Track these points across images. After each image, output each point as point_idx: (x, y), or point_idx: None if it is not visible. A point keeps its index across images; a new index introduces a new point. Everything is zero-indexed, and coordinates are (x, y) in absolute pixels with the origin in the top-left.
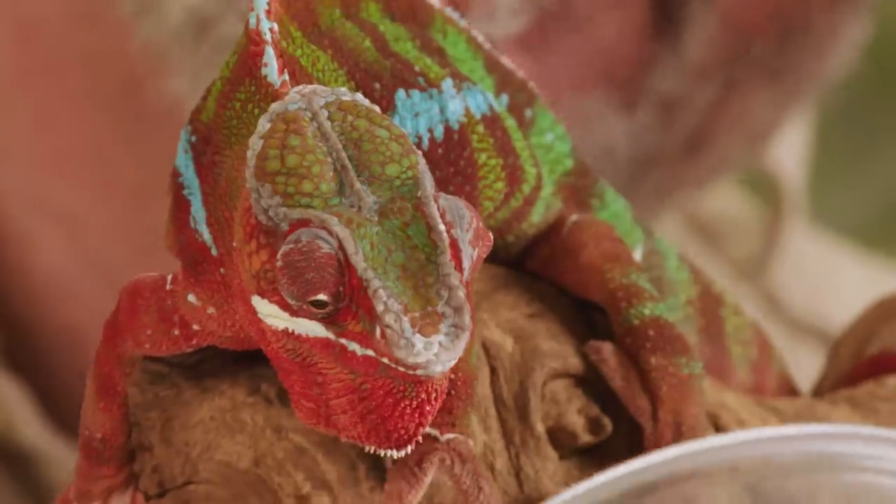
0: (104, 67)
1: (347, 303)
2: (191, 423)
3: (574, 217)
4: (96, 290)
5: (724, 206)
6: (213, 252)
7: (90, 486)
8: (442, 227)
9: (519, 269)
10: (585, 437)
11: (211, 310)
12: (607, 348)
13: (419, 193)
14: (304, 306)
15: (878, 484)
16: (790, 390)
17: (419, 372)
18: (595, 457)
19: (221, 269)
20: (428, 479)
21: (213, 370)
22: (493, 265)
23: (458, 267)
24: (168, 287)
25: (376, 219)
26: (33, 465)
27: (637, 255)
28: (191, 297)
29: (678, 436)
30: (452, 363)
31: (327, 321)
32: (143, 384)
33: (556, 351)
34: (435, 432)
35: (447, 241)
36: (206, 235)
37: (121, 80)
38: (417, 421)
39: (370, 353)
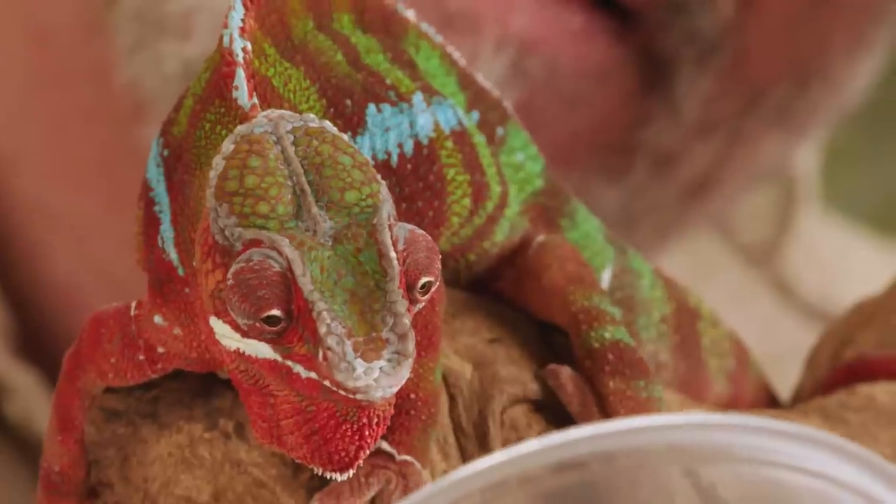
0: (114, 80)
1: (294, 324)
2: (148, 459)
3: (540, 238)
4: (104, 300)
5: None
6: (180, 272)
7: None
8: (393, 254)
9: (483, 291)
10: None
11: (177, 330)
12: (565, 372)
13: (374, 220)
14: (257, 324)
15: (778, 477)
16: (768, 397)
17: (359, 396)
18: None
19: (186, 290)
20: (370, 494)
21: (170, 406)
22: (453, 289)
23: (407, 295)
24: (132, 312)
25: (330, 243)
26: None
27: (607, 274)
28: (157, 318)
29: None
30: (394, 390)
31: (275, 342)
32: (99, 422)
33: (516, 376)
34: (392, 451)
35: (397, 269)
36: (173, 255)
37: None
38: (358, 444)
39: (313, 375)
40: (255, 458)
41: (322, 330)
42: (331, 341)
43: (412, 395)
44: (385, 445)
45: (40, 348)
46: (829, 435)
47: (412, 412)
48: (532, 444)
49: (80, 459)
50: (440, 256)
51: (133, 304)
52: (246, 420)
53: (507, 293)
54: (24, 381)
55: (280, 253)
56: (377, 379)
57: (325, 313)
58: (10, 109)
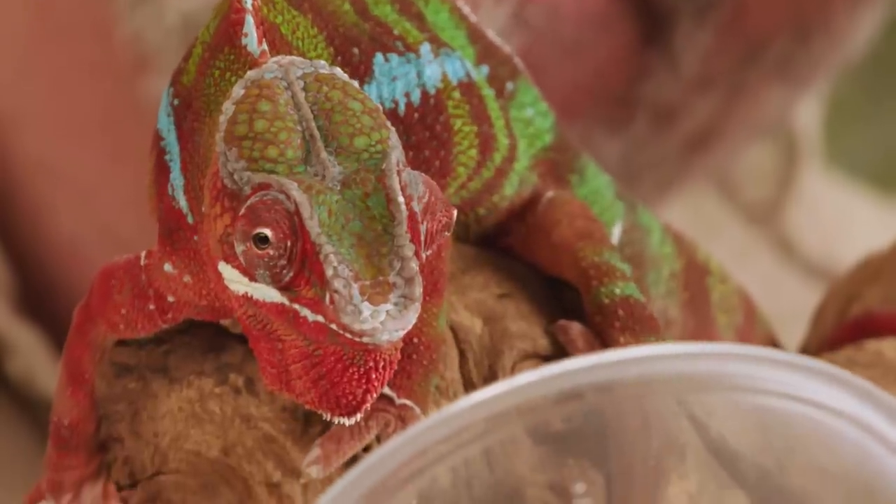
0: (116, 35)
1: (300, 267)
2: (159, 414)
3: (549, 194)
4: (107, 257)
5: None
6: (190, 220)
7: (61, 476)
8: (401, 198)
9: (492, 246)
10: (558, 425)
11: (187, 278)
12: (575, 328)
13: (383, 166)
14: (251, 246)
15: (773, 405)
16: None
17: (365, 340)
18: (569, 442)
19: (196, 237)
20: (370, 436)
21: (181, 361)
22: (462, 244)
23: (416, 239)
24: (142, 262)
25: (338, 188)
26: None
27: (617, 230)
28: (167, 267)
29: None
30: (401, 333)
31: (282, 286)
32: (110, 377)
33: (526, 332)
34: (392, 394)
35: (405, 214)
36: (183, 203)
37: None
38: (365, 388)
39: (320, 318)
40: (265, 413)
41: (329, 273)
42: (337, 284)
43: (415, 340)
44: (385, 389)
45: (43, 306)
46: (825, 364)
47: (414, 357)
48: (532, 375)
49: (90, 413)
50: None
51: (143, 254)
52: (256, 375)
53: (516, 249)
54: (27, 339)
55: (288, 196)
56: (383, 322)
57: (332, 256)
58: (12, 66)
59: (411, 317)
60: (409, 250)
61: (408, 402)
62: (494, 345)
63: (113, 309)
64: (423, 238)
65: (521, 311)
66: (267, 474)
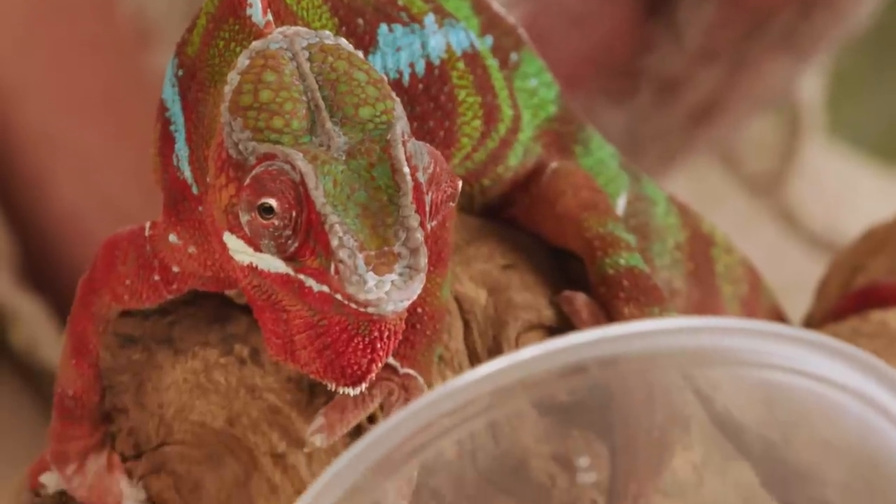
0: (118, 9)
1: (305, 238)
2: (164, 385)
3: (554, 165)
4: (108, 228)
5: None
6: (194, 190)
7: (65, 447)
8: (406, 169)
9: (496, 217)
10: (563, 397)
11: (192, 249)
12: (580, 299)
13: (388, 136)
14: (255, 216)
15: (777, 379)
16: (780, 323)
17: (370, 310)
18: (574, 414)
19: (200, 208)
20: (373, 405)
21: (186, 332)
22: (467, 215)
23: (421, 210)
24: (147, 233)
25: (343, 158)
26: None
27: (621, 201)
28: (172, 237)
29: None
30: (406, 304)
31: (287, 257)
32: (115, 348)
33: (530, 303)
34: (395, 364)
35: (410, 184)
36: (188, 173)
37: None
38: (370, 358)
39: (325, 288)
40: (270, 384)
41: (334, 243)
42: (342, 254)
43: (419, 310)
44: (389, 359)
45: (45, 277)
46: (830, 339)
47: (418, 326)
48: (536, 349)
49: (95, 384)
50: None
51: (147, 225)
52: (261, 345)
53: (520, 219)
54: (29, 309)
55: (293, 166)
56: (388, 292)
57: (337, 226)
58: (15, 40)
59: (416, 287)
60: (414, 221)
61: (411, 371)
62: (499, 315)
63: (117, 280)
64: (427, 209)
65: (525, 282)
66: (272, 445)
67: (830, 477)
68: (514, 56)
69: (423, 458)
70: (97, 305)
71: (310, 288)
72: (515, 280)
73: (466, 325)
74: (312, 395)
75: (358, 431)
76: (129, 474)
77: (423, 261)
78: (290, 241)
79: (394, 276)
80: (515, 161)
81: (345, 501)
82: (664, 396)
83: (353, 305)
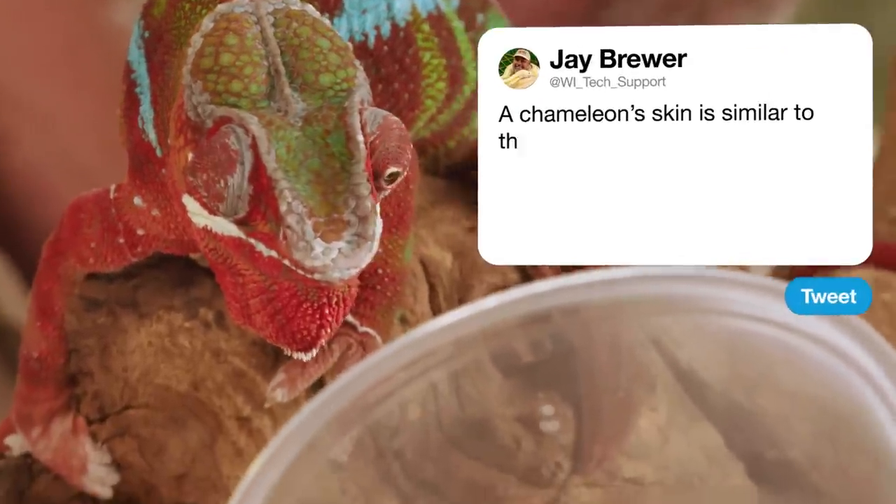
0: None
1: (256, 202)
2: (128, 348)
3: None
4: (68, 185)
5: None
6: (158, 153)
7: (30, 409)
8: (360, 137)
9: (462, 179)
10: (528, 357)
11: (155, 212)
12: None
13: (346, 104)
14: (202, 177)
15: (739, 326)
16: None
17: (317, 276)
18: (539, 375)
19: (163, 171)
20: (332, 359)
21: (150, 295)
22: (432, 177)
23: (373, 182)
24: (112, 195)
25: (300, 124)
26: (19, 340)
27: None
28: (136, 200)
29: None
30: (353, 272)
31: (239, 220)
32: (80, 311)
33: (495, 266)
34: (355, 321)
35: (364, 152)
36: (153, 136)
37: None
38: (319, 324)
39: (274, 254)
40: (235, 347)
41: (283, 208)
42: (291, 220)
43: (379, 271)
44: (349, 317)
45: (5, 235)
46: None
47: (378, 287)
48: (497, 299)
49: (60, 346)
50: (412, 146)
51: (112, 188)
52: (226, 309)
53: None
54: None
55: (247, 130)
56: (335, 260)
57: (286, 192)
58: None
59: (364, 255)
60: (364, 189)
61: (370, 330)
62: (464, 279)
63: (82, 242)
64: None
65: None
66: (237, 408)
67: (795, 430)
68: (479, 17)
69: (383, 416)
70: (62, 267)
71: (260, 252)
72: None
73: (432, 288)
74: (277, 360)
75: (319, 386)
76: (94, 437)
77: (372, 229)
78: (238, 205)
79: (341, 244)
80: None
81: (303, 457)
82: (629, 355)
83: (300, 272)
